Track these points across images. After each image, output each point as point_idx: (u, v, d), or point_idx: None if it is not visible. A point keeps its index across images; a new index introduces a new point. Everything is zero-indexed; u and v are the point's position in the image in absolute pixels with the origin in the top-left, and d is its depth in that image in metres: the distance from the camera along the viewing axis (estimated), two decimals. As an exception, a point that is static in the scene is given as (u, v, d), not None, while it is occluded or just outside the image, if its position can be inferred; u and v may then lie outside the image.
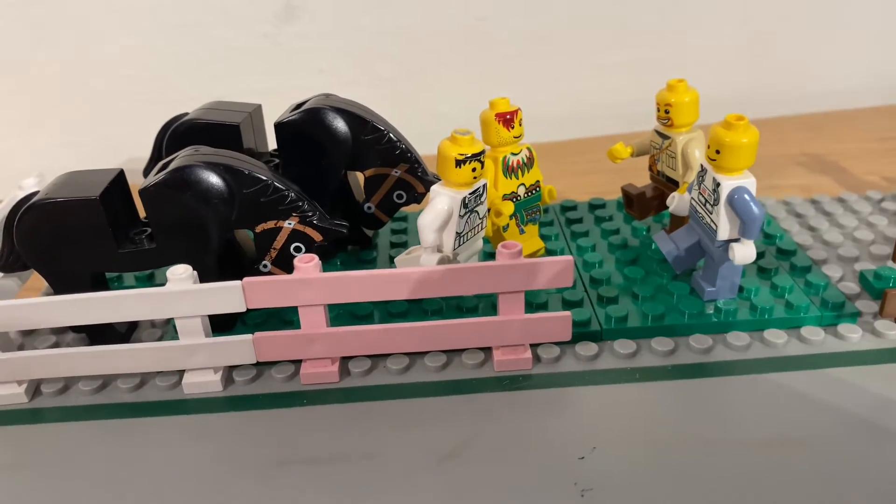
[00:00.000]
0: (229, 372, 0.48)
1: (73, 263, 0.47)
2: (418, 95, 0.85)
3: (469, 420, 0.44)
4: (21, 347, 0.52)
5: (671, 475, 0.39)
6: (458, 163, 0.47)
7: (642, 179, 0.60)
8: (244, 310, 0.44)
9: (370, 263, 0.58)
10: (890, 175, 0.70)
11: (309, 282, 0.44)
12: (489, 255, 0.57)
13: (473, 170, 0.47)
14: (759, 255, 0.56)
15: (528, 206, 0.56)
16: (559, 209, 0.65)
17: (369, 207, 0.57)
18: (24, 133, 0.81)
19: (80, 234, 0.46)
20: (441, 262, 0.48)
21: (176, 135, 0.54)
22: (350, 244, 0.60)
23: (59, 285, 0.48)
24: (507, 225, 0.55)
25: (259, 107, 0.58)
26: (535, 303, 0.52)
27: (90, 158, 0.67)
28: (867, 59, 0.87)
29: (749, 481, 0.39)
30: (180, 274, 0.44)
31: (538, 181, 0.56)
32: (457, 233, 0.49)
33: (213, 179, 0.47)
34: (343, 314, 0.52)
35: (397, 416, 0.45)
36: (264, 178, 0.48)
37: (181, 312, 0.44)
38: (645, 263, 0.56)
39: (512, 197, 0.54)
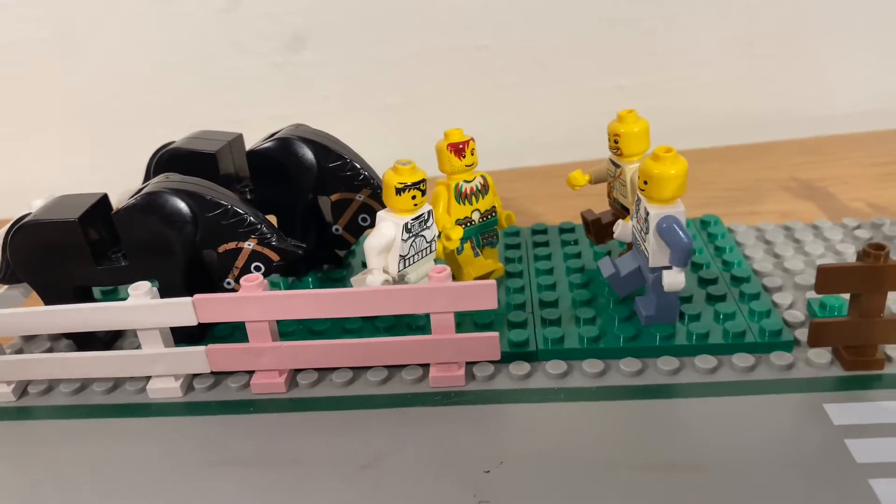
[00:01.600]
0: (192, 379, 0.53)
1: (57, 278, 0.53)
2: (421, 121, 0.88)
3: (396, 432, 0.47)
4: (20, 351, 0.58)
5: (565, 494, 0.41)
6: (399, 191, 0.50)
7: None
8: (195, 323, 0.49)
9: (340, 282, 0.62)
10: (876, 201, 0.70)
11: (251, 299, 0.48)
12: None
13: (413, 197, 0.51)
14: (712, 282, 0.57)
15: (485, 231, 0.59)
16: (530, 232, 0.67)
17: (337, 229, 0.61)
18: (57, 155, 0.88)
19: (63, 252, 0.52)
20: (385, 282, 0.52)
21: (161, 162, 0.59)
22: (325, 263, 0.64)
23: (47, 297, 0.54)
24: (462, 248, 0.58)
25: (240, 136, 0.62)
26: (480, 322, 0.55)
27: (115, 179, 0.73)
28: (871, 82, 0.86)
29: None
30: (140, 290, 0.49)
31: (494, 207, 0.58)
32: (400, 255, 0.52)
33: (178, 204, 0.52)
34: (301, 329, 0.56)
35: (333, 425, 0.48)
36: (225, 203, 0.52)
37: (139, 325, 0.49)
38: (596, 287, 0.58)
39: (466, 222, 0.57)
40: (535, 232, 0.67)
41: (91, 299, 0.56)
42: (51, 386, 0.54)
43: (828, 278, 0.46)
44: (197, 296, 0.48)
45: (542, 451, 0.45)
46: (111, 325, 0.49)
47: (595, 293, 0.57)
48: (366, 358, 0.50)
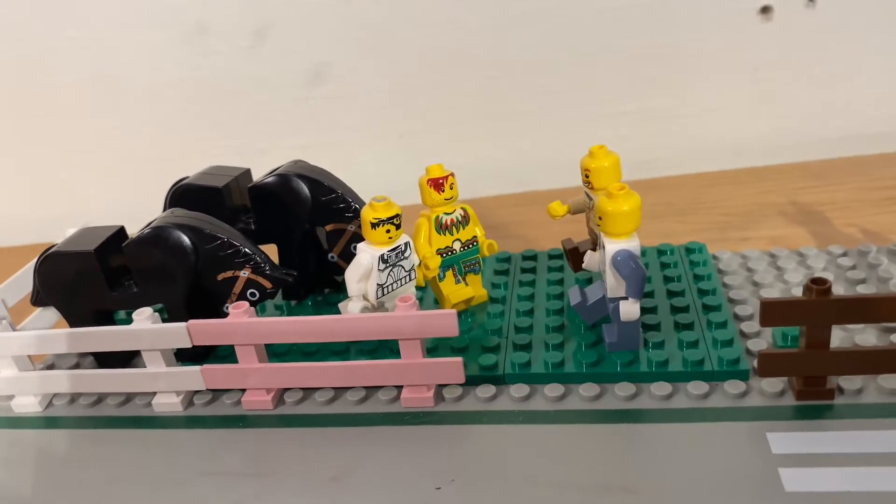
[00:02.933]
0: (193, 395, 0.58)
1: (78, 302, 0.60)
2: (436, 148, 0.93)
3: (364, 448, 0.51)
4: (52, 366, 0.65)
5: (505, 510, 0.45)
6: (373, 225, 0.55)
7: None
8: (190, 346, 0.54)
9: (336, 306, 0.67)
10: (870, 227, 0.70)
11: (237, 325, 0.53)
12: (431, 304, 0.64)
13: (388, 231, 0.55)
14: (683, 310, 0.59)
15: (466, 259, 0.62)
16: (520, 258, 0.70)
17: (332, 257, 0.66)
18: (106, 186, 0.97)
19: (81, 280, 0.58)
20: (364, 309, 0.56)
21: (175, 196, 0.65)
22: (325, 288, 0.69)
23: (70, 319, 0.61)
24: (443, 276, 0.61)
25: (247, 171, 0.68)
26: (456, 346, 0.58)
27: (155, 208, 0.81)
28: (880, 103, 0.85)
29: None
30: (143, 315, 0.55)
31: (475, 236, 0.62)
32: (378, 284, 0.56)
33: (181, 237, 0.57)
34: (294, 350, 0.61)
35: (310, 441, 0.53)
36: (222, 235, 0.58)
37: (142, 346, 0.55)
38: (571, 314, 0.60)
39: (447, 251, 0.61)
40: (524, 258, 0.70)
41: (110, 322, 0.62)
42: (73, 398, 0.60)
43: (771, 312, 0.47)
44: (191, 322, 0.54)
45: (493, 470, 0.48)
46: (116, 347, 0.55)
47: (569, 319, 0.60)
48: (343, 379, 0.55)
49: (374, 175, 0.68)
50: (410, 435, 0.52)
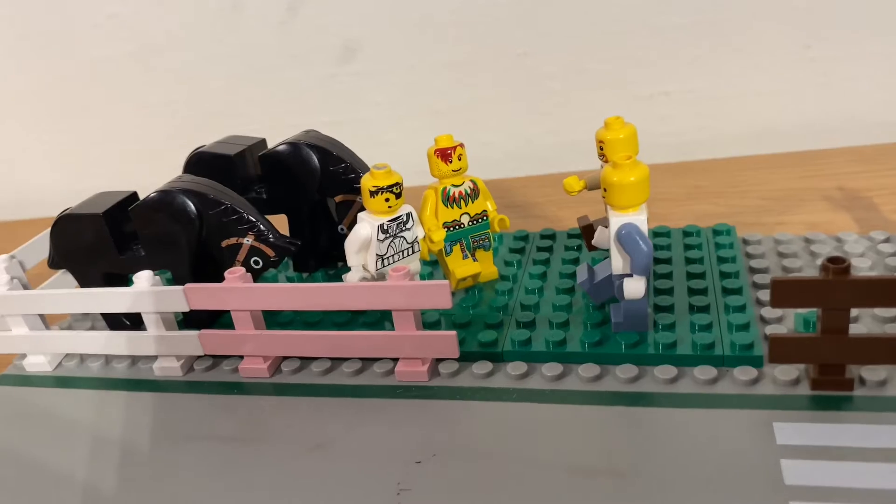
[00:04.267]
0: (194, 361, 0.58)
1: (88, 264, 0.60)
2: (464, 126, 0.90)
3: (352, 419, 0.50)
4: (70, 327, 0.66)
5: (483, 487, 0.43)
6: (372, 193, 0.53)
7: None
8: (187, 309, 0.54)
9: (346, 278, 0.66)
10: (920, 214, 0.65)
11: (231, 290, 0.52)
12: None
13: (387, 200, 0.54)
14: (700, 292, 0.56)
15: (475, 234, 0.60)
16: (538, 237, 0.68)
17: (342, 229, 0.65)
18: (144, 159, 0.98)
19: (91, 242, 0.59)
20: (363, 279, 0.55)
21: (189, 163, 0.66)
22: (339, 261, 0.68)
23: (82, 281, 0.61)
24: (450, 250, 0.60)
25: (262, 140, 0.67)
26: (458, 322, 0.56)
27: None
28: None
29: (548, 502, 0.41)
30: (142, 278, 0.55)
31: (485, 211, 0.60)
32: (377, 255, 0.55)
33: (185, 202, 0.57)
34: (297, 321, 0.60)
35: (300, 410, 0.52)
36: (226, 202, 0.57)
37: (140, 309, 0.55)
38: (582, 294, 0.58)
39: (454, 225, 0.59)
40: (542, 237, 0.68)
41: (122, 285, 0.63)
42: (82, 359, 0.61)
43: (783, 292, 0.44)
44: (188, 285, 0.54)
45: (479, 447, 0.46)
46: (114, 308, 0.56)
47: (577, 298, 0.57)
48: (337, 350, 0.54)
49: (402, 153, 0.66)
50: (401, 408, 0.50)
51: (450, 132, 0.93)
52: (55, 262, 0.63)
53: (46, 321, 0.63)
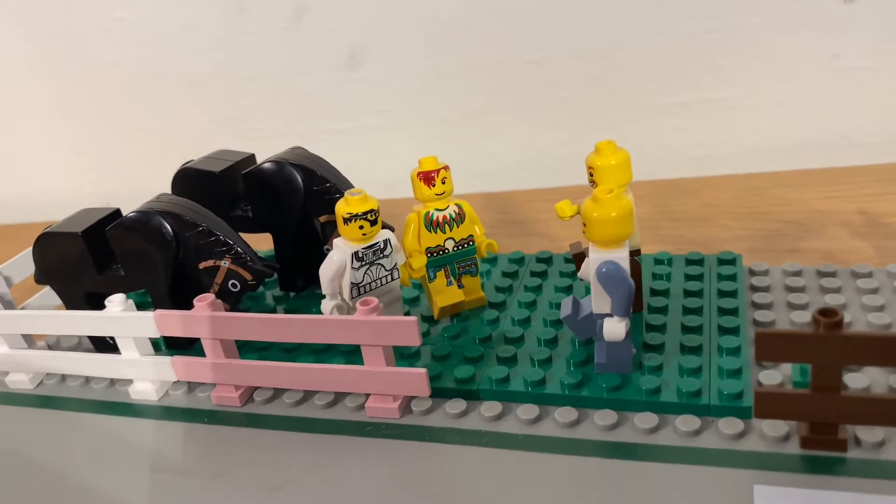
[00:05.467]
0: (170, 385, 0.57)
1: (69, 283, 0.59)
2: (472, 135, 0.88)
3: (315, 458, 0.48)
4: (55, 345, 0.65)
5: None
6: (346, 220, 0.51)
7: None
8: (157, 336, 0.53)
9: (333, 299, 0.64)
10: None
11: (199, 318, 0.51)
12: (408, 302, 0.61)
13: (361, 227, 0.51)
14: (694, 330, 0.52)
15: (461, 260, 0.58)
16: (533, 260, 0.65)
17: (327, 249, 0.62)
18: (150, 164, 0.97)
19: (71, 261, 0.58)
20: (338, 308, 0.53)
21: (175, 179, 0.64)
22: (326, 280, 0.66)
23: (64, 299, 0.61)
24: (433, 276, 0.57)
25: (252, 156, 0.66)
26: (437, 354, 0.54)
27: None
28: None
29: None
30: (114, 302, 0.54)
31: (471, 235, 0.57)
32: (353, 283, 0.53)
33: (161, 223, 0.56)
34: (276, 347, 0.58)
35: (267, 444, 0.50)
36: (202, 224, 0.56)
37: (112, 333, 0.54)
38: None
39: (438, 250, 0.57)
40: (537, 260, 0.65)
41: (100, 305, 0.62)
42: (63, 378, 0.61)
43: (769, 346, 0.40)
44: (158, 311, 0.52)
45: (442, 495, 0.44)
46: (89, 332, 0.55)
47: (564, 331, 0.54)
48: (307, 383, 0.52)
49: (407, 163, 0.64)
50: (369, 447, 0.48)
51: (457, 141, 0.91)
52: (39, 278, 0.63)
53: (32, 337, 0.62)
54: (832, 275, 0.57)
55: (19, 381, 0.60)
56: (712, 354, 0.50)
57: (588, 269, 0.51)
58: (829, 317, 0.39)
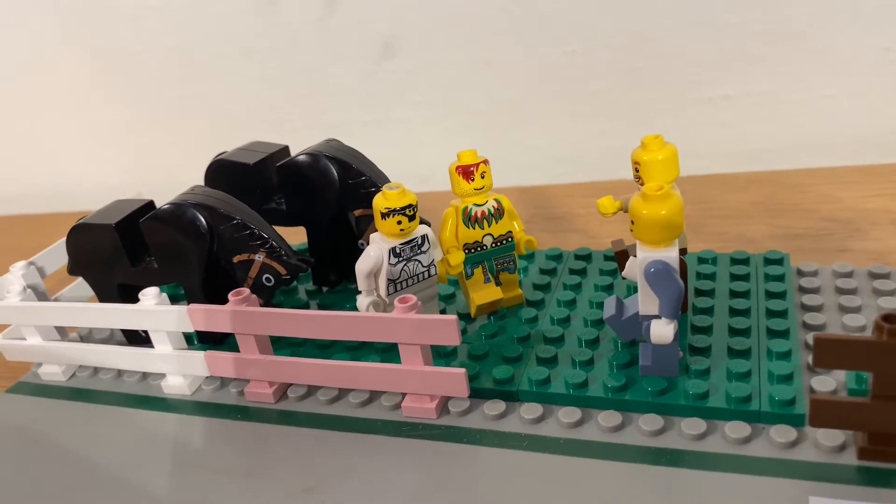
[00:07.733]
0: (203, 380, 0.56)
1: (102, 275, 0.59)
2: (507, 128, 0.86)
3: (352, 460, 0.47)
4: (87, 337, 0.65)
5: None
6: (384, 215, 0.50)
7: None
8: (191, 330, 0.52)
9: (366, 295, 0.63)
10: None
11: (233, 313, 0.50)
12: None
13: (399, 222, 0.50)
14: (742, 332, 0.50)
15: (499, 256, 0.56)
16: (572, 257, 0.63)
17: (362, 244, 0.61)
18: (183, 154, 0.97)
19: (104, 253, 0.58)
20: (374, 305, 0.52)
21: (209, 171, 0.64)
22: (360, 275, 0.65)
23: (97, 291, 0.60)
24: (471, 273, 0.56)
25: (286, 147, 0.65)
26: (474, 353, 0.53)
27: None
28: None
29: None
30: (148, 295, 0.53)
31: (510, 231, 0.56)
32: (389, 279, 0.51)
33: (195, 216, 0.55)
34: (309, 343, 0.57)
35: (300, 443, 0.49)
36: (237, 217, 0.55)
37: (146, 327, 0.53)
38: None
39: (476, 246, 0.55)
40: (576, 257, 0.63)
41: (133, 297, 0.61)
42: (95, 371, 0.60)
43: (828, 352, 0.38)
44: (192, 305, 0.52)
45: (478, 499, 0.42)
46: (121, 325, 0.54)
47: (606, 332, 0.53)
48: (341, 381, 0.51)
49: (440, 155, 0.62)
50: (404, 448, 0.47)
51: (491, 133, 0.89)
52: (72, 269, 0.63)
53: (64, 329, 0.62)
54: (885, 276, 0.55)
55: (52, 372, 0.60)
56: (761, 358, 0.48)
57: (634, 269, 0.50)
58: (893, 323, 0.37)
